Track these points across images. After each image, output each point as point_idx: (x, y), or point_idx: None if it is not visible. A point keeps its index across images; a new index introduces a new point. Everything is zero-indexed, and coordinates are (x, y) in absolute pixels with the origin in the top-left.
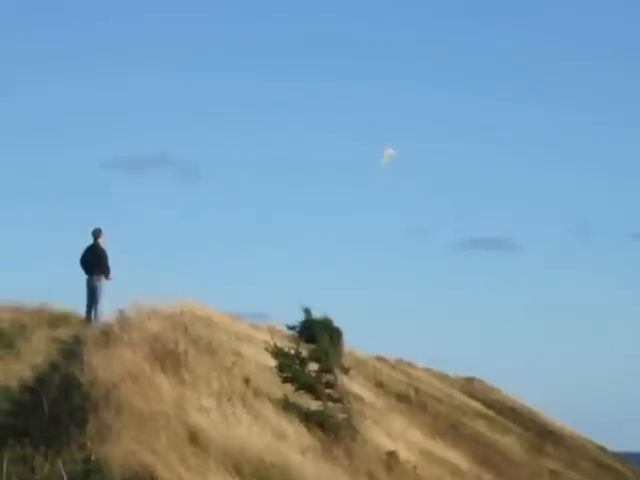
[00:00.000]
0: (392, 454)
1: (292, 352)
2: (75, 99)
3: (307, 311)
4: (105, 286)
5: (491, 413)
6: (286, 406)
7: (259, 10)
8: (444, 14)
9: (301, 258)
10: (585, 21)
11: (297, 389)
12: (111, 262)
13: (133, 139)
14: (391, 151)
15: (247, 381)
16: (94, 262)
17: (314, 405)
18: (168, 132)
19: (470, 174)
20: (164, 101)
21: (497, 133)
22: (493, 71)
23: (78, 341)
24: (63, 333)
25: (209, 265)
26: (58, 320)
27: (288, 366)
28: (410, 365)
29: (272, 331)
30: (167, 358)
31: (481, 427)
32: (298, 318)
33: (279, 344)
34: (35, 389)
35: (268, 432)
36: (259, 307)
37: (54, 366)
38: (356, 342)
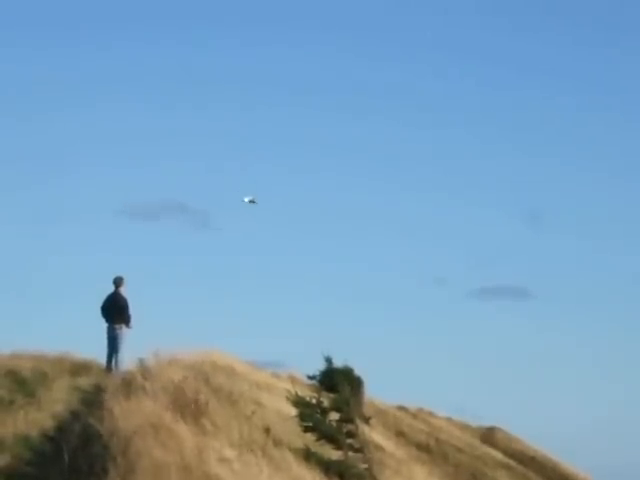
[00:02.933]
0: None
1: (313, 401)
2: (86, 145)
3: (328, 360)
4: (126, 335)
5: (512, 463)
6: (307, 456)
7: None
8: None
9: (318, 307)
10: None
11: (318, 439)
12: (132, 310)
13: (142, 187)
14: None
15: (268, 431)
16: (115, 310)
17: (335, 455)
18: (177, 179)
19: (479, 224)
20: (171, 147)
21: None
22: (504, 122)
23: (99, 390)
24: (84, 382)
25: (227, 313)
26: (79, 369)
27: (309, 416)
28: (431, 414)
29: (293, 380)
30: (188, 408)
31: (502, 477)
32: (317, 366)
33: (300, 393)
34: (55, 438)
35: None
36: (277, 355)
37: (75, 415)
38: (376, 391)
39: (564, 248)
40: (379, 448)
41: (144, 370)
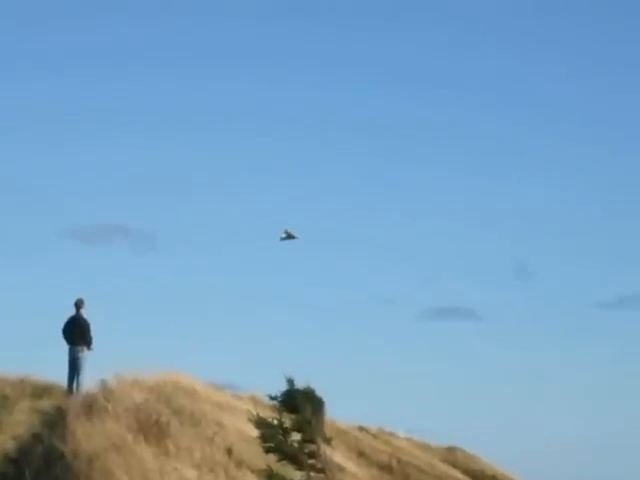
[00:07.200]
0: None
1: (275, 422)
2: (33, 166)
3: (290, 381)
4: (87, 357)
5: None
6: (269, 477)
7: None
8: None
9: (275, 328)
10: None
11: (280, 459)
12: (93, 332)
13: (86, 209)
14: (289, 234)
15: (229, 451)
16: (77, 332)
17: (297, 475)
18: (122, 202)
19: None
20: (117, 169)
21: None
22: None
23: (60, 412)
24: (45, 404)
25: (185, 335)
26: (40, 391)
27: (271, 436)
28: (392, 435)
29: (254, 401)
30: (150, 429)
31: None
32: (276, 387)
33: (261, 414)
34: (17, 460)
35: None
36: (234, 377)
37: (36, 437)
38: (337, 412)
39: (507, 269)
40: (341, 469)
41: (106, 392)
